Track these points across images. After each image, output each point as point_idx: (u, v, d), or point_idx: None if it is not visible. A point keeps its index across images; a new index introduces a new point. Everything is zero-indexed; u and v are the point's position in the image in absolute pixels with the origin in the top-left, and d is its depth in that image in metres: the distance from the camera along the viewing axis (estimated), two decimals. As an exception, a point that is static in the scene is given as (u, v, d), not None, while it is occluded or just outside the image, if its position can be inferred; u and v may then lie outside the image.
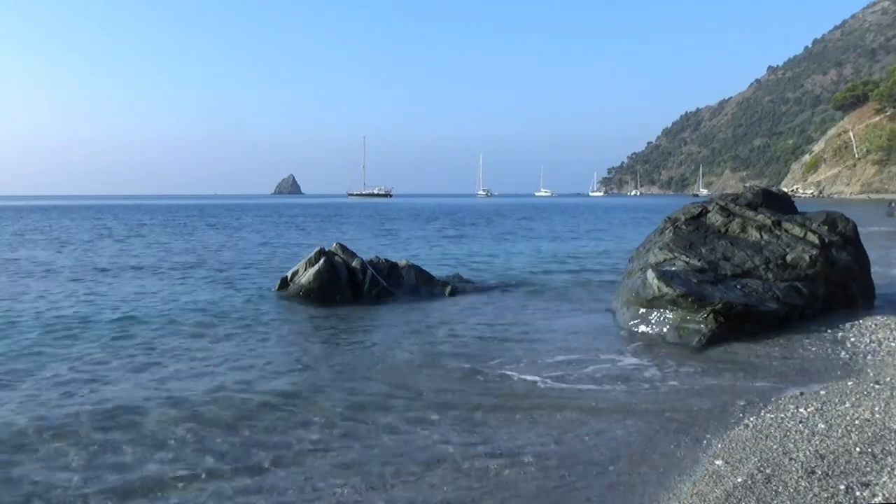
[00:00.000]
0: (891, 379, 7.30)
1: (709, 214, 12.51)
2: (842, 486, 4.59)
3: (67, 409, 6.80)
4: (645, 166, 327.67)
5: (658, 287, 10.15)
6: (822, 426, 5.87)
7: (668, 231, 12.32)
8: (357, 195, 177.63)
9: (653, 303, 10.26)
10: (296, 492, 5.03)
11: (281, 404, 7.02)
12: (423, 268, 15.57)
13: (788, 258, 11.05)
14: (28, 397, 7.23)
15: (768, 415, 6.34)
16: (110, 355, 9.15)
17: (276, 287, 14.06)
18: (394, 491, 5.02)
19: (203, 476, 5.26)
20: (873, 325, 9.93)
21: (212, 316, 12.08)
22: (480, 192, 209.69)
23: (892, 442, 5.35)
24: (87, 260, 22.45)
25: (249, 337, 10.40)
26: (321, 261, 13.75)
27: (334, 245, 14.90)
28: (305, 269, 13.85)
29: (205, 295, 14.59)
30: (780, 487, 4.66)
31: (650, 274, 10.50)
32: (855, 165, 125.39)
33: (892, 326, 9.78)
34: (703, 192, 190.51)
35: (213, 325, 11.33)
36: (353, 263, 14.34)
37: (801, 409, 6.42)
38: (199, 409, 6.86)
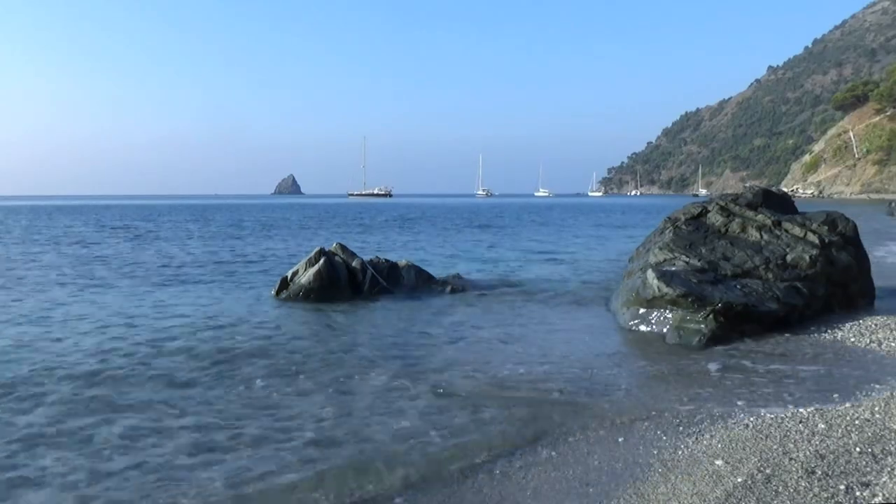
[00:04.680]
0: (891, 379, 7.30)
1: (709, 214, 12.51)
2: (842, 486, 4.59)
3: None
4: (645, 166, 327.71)
5: (658, 287, 10.15)
6: (822, 426, 5.87)
7: (668, 231, 12.32)
8: (357, 195, 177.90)
9: (653, 303, 10.26)
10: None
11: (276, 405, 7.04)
12: (424, 268, 15.60)
13: (788, 258, 11.05)
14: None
15: (768, 415, 6.34)
16: (95, 370, 9.12)
17: (276, 287, 14.04)
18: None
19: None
20: (873, 325, 9.93)
21: (210, 317, 12.07)
22: (480, 192, 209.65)
23: (892, 442, 5.35)
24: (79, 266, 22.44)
25: (248, 338, 10.38)
26: (321, 261, 13.74)
27: (334, 245, 14.91)
28: (305, 269, 13.85)
29: (204, 297, 14.59)
30: (780, 487, 4.66)
31: (650, 274, 10.51)
32: (855, 165, 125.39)
33: (892, 326, 9.78)
34: (703, 192, 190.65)
35: (212, 326, 11.31)
36: (353, 263, 14.35)
37: (801, 409, 6.42)
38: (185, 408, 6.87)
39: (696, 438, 5.85)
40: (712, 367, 8.25)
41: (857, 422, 5.91)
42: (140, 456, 5.68)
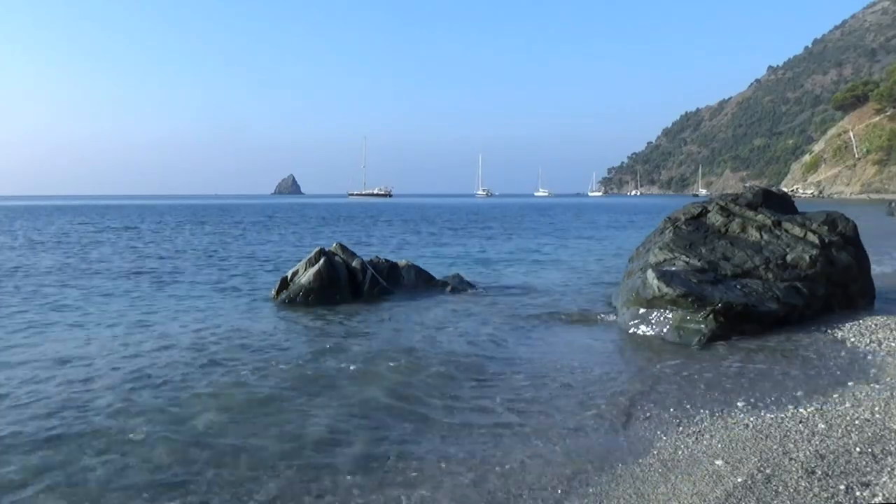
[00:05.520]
0: (891, 379, 7.30)
1: (709, 214, 12.51)
2: (842, 486, 4.59)
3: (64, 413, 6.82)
4: (645, 166, 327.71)
5: (658, 287, 10.15)
6: (822, 426, 5.87)
7: (668, 231, 12.32)
8: (358, 195, 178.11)
9: (653, 303, 10.26)
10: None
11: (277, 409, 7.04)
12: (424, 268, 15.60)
13: (788, 258, 11.05)
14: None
15: (768, 415, 6.34)
16: (93, 375, 9.09)
17: (276, 288, 14.01)
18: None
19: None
20: (873, 325, 9.92)
21: (210, 319, 12.08)
22: (480, 192, 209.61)
23: (892, 442, 5.36)
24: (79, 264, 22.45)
25: (250, 343, 10.38)
26: (321, 261, 13.73)
27: (334, 245, 14.89)
28: (306, 269, 13.83)
29: (204, 298, 14.60)
30: (780, 487, 4.66)
31: (650, 274, 10.50)
32: (855, 165, 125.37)
33: (892, 326, 9.78)
34: (703, 192, 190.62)
35: (211, 329, 11.31)
36: (353, 263, 14.33)
37: (801, 409, 6.42)
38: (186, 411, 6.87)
39: (696, 438, 5.85)
40: (712, 367, 8.26)
41: (857, 422, 5.91)
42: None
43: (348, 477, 5.24)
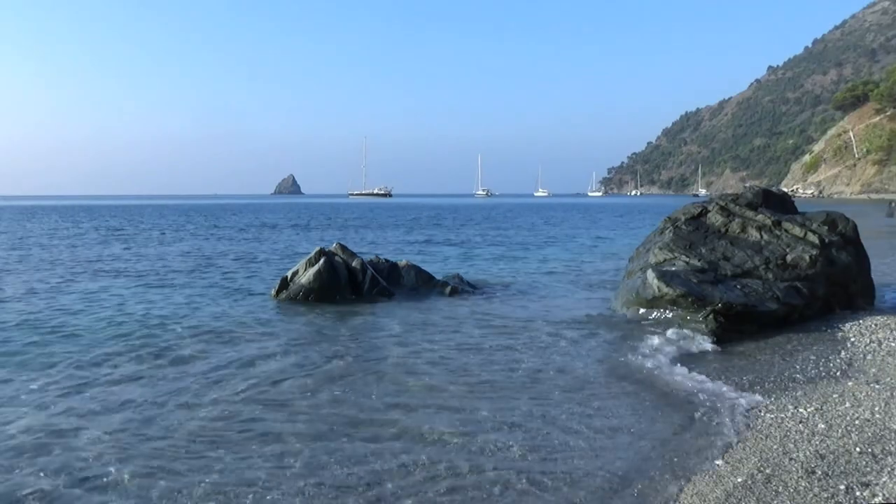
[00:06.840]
0: (891, 379, 7.30)
1: (709, 214, 12.52)
2: (842, 486, 4.59)
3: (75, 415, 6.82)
4: (645, 166, 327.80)
5: (658, 287, 10.16)
6: (822, 426, 5.87)
7: (668, 231, 12.33)
8: (358, 195, 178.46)
9: (653, 303, 10.27)
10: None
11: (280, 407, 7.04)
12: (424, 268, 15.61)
13: (788, 258, 11.06)
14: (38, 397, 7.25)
15: (768, 415, 6.34)
16: (100, 367, 9.09)
17: (276, 288, 14.02)
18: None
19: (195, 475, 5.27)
20: (873, 325, 9.93)
21: (210, 319, 12.08)
22: (480, 192, 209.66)
23: (892, 442, 5.36)
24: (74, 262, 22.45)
25: (249, 342, 10.38)
26: (321, 261, 13.74)
27: (334, 245, 14.90)
28: (306, 269, 13.84)
29: (204, 297, 14.60)
30: (780, 487, 4.66)
31: (650, 274, 10.51)
32: (855, 165, 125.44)
33: (892, 326, 9.78)
34: (703, 192, 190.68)
35: (212, 330, 11.31)
36: (353, 263, 14.33)
37: (801, 409, 6.42)
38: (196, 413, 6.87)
39: (696, 438, 5.85)
40: (712, 367, 8.26)
41: (857, 422, 5.91)
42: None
43: (342, 475, 5.25)
